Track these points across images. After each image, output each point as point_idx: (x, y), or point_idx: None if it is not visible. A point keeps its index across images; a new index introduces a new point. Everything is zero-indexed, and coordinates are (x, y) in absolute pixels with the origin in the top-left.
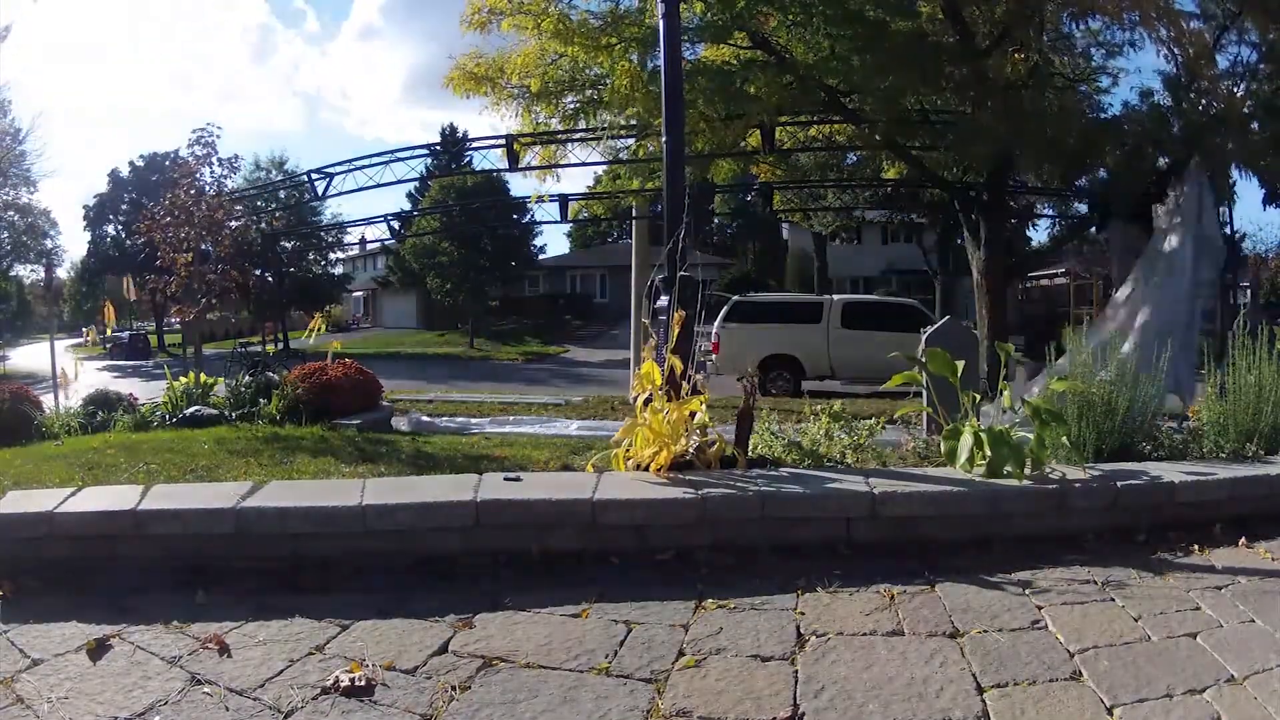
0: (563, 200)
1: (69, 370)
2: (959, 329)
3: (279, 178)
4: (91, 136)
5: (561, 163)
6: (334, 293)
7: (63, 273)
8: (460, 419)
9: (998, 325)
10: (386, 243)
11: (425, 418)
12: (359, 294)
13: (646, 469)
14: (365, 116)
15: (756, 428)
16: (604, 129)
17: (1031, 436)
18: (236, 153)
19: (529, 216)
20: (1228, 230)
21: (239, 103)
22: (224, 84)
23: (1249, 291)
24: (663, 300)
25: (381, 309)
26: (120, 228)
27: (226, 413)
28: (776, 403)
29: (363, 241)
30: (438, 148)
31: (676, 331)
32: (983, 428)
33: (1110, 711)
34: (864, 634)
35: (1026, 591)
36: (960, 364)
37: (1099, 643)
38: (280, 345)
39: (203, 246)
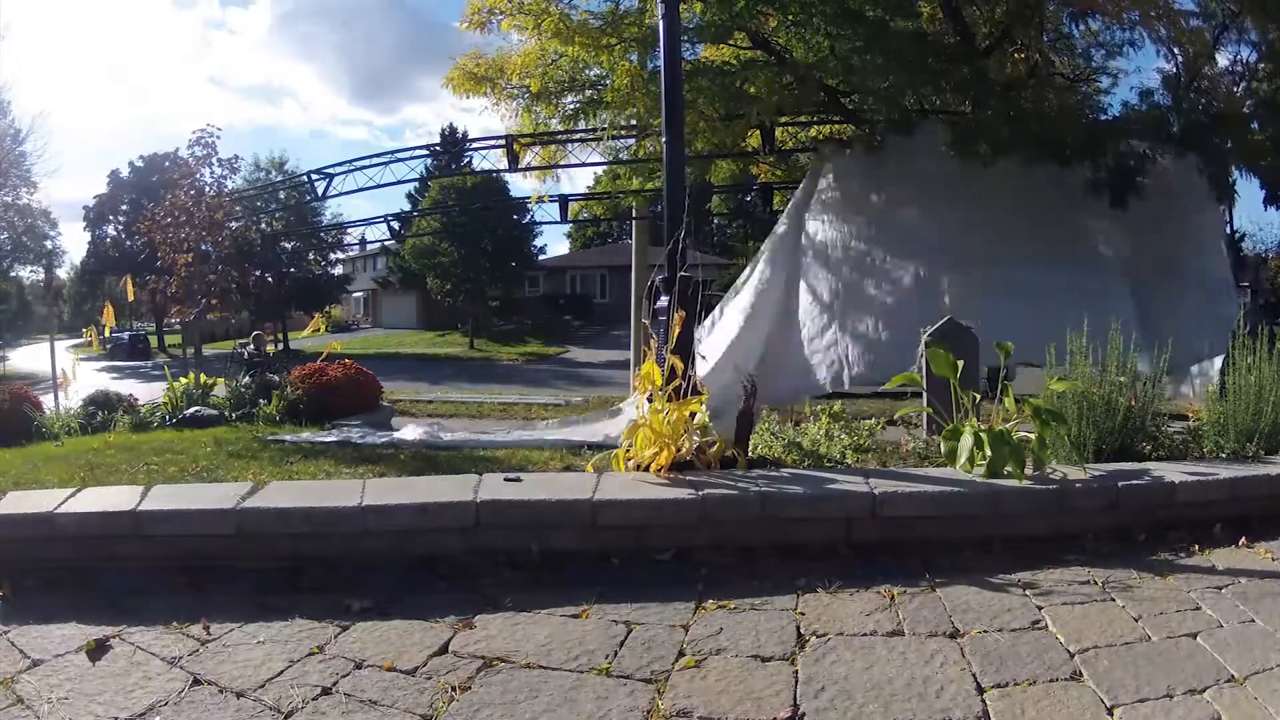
0: (563, 200)
1: (67, 371)
2: (959, 329)
3: (279, 178)
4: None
5: (561, 163)
6: (334, 293)
7: (63, 273)
8: (464, 434)
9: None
10: (386, 243)
11: (448, 435)
12: (359, 294)
13: (647, 469)
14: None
15: (757, 428)
16: (604, 129)
17: (1032, 436)
18: (236, 153)
19: (529, 216)
20: (1228, 230)
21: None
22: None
23: (1249, 291)
24: (663, 300)
25: (381, 309)
26: (120, 228)
27: (226, 413)
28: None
29: (363, 242)
30: (438, 148)
31: (676, 332)
32: (983, 428)
33: (1110, 711)
34: (864, 634)
35: (1027, 592)
36: (960, 364)
37: (1099, 643)
38: (280, 346)
39: (203, 247)
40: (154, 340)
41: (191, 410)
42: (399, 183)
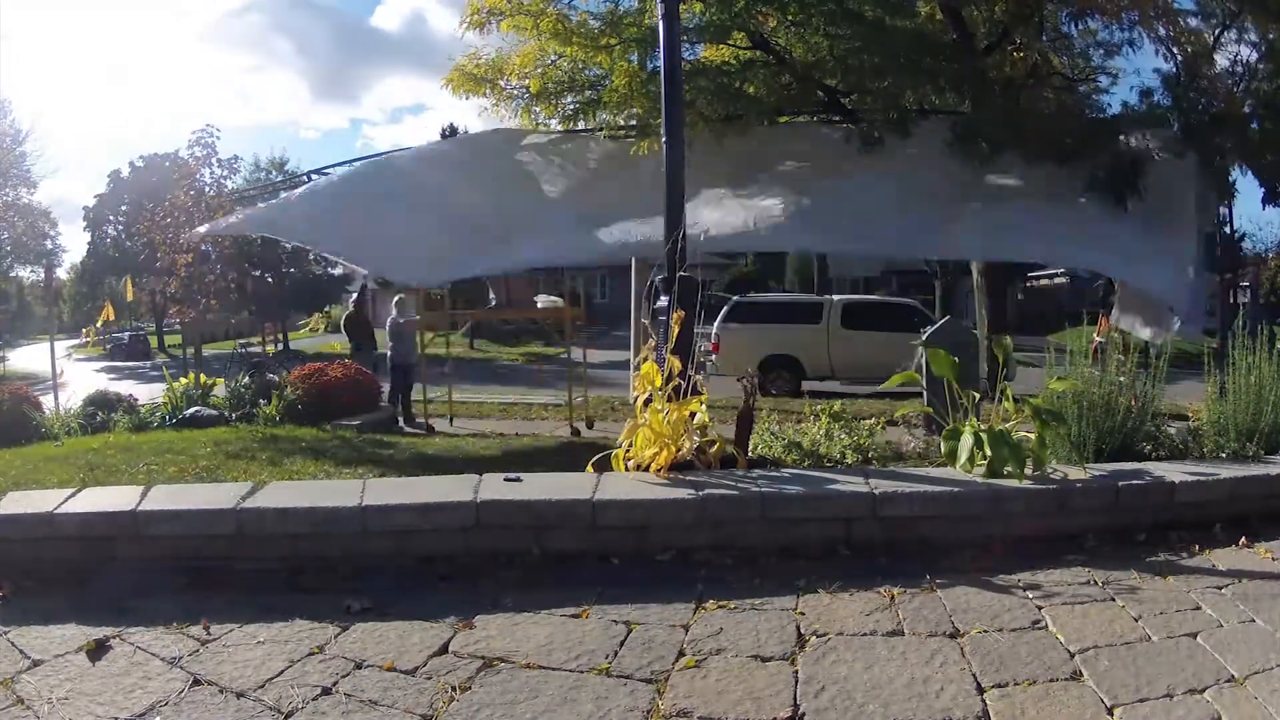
0: None
1: (62, 371)
2: (959, 329)
3: (279, 178)
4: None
5: None
6: (334, 293)
7: (62, 273)
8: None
9: (997, 324)
10: None
11: None
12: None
13: (647, 469)
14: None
15: (757, 428)
16: (604, 129)
17: (1032, 436)
18: (236, 154)
19: None
20: (1227, 229)
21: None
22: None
23: (1249, 291)
24: (663, 300)
25: (381, 310)
26: (120, 229)
27: (226, 414)
28: (777, 403)
29: None
30: None
31: (676, 332)
32: (983, 427)
33: (1110, 711)
34: (864, 634)
35: (1027, 592)
36: (959, 363)
37: (1099, 643)
38: (280, 346)
39: (203, 247)
40: (154, 340)
41: (191, 411)
42: None
